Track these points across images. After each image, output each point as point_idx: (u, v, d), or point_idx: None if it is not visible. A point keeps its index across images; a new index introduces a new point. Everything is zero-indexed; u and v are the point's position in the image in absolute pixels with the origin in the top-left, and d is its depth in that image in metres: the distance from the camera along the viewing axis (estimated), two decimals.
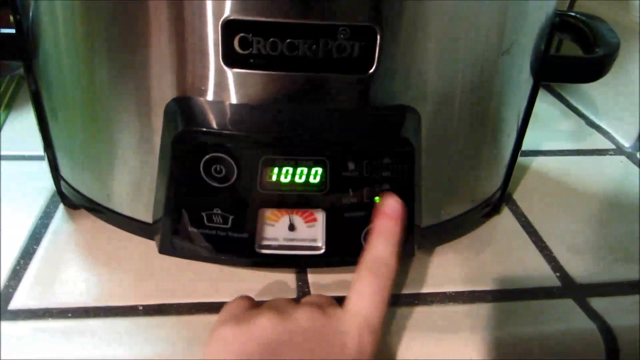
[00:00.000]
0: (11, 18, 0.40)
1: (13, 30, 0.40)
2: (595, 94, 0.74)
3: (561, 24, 0.51)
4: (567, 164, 0.63)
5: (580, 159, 0.65)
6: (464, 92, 0.39)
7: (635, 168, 0.63)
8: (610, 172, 0.63)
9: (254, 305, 0.37)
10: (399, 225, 0.37)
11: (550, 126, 0.71)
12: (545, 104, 0.76)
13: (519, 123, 0.47)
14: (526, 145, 0.49)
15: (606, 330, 0.42)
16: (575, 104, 0.77)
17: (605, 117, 0.72)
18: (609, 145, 0.68)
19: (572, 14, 0.52)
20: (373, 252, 0.36)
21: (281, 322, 0.33)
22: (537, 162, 0.63)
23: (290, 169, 0.36)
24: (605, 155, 0.66)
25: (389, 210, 0.37)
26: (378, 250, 0.36)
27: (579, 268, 0.48)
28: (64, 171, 0.46)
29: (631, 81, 0.66)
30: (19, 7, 0.39)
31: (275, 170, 0.36)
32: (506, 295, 0.44)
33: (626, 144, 0.67)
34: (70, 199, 0.48)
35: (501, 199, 0.52)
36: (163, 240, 0.39)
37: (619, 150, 0.67)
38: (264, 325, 0.33)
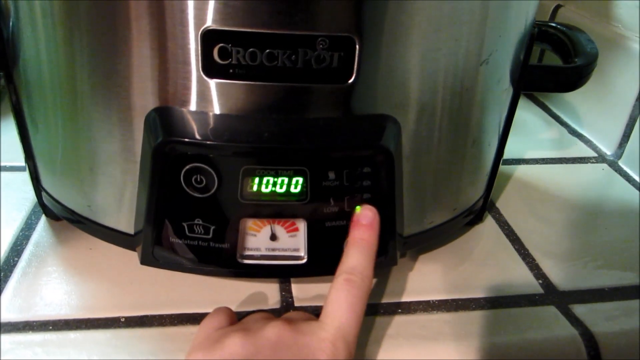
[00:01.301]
0: None
1: None
2: (578, 103, 0.75)
3: (541, 34, 0.52)
4: (549, 172, 0.64)
5: (563, 167, 0.65)
6: (444, 101, 0.40)
7: (617, 176, 0.64)
8: (592, 179, 0.63)
9: (230, 320, 0.37)
10: (374, 235, 0.37)
11: (532, 135, 0.72)
12: (528, 113, 0.77)
13: (500, 132, 0.48)
14: (509, 153, 0.50)
15: (588, 337, 0.42)
16: (557, 112, 0.78)
17: (587, 125, 0.73)
18: (590, 153, 0.68)
19: (553, 24, 0.53)
20: (348, 262, 0.36)
21: (250, 341, 0.33)
22: (520, 170, 0.63)
23: (271, 179, 0.37)
24: (587, 163, 0.66)
25: (364, 220, 0.38)
26: (353, 260, 0.36)
27: (562, 275, 0.48)
28: (45, 182, 0.46)
29: (612, 90, 0.67)
30: None
31: (256, 180, 0.37)
32: (489, 303, 0.44)
33: (608, 152, 0.68)
34: (51, 210, 0.47)
35: (484, 207, 0.52)
36: (144, 251, 0.39)
37: (600, 158, 0.67)
38: (233, 347, 0.32)
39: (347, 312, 0.34)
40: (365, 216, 0.38)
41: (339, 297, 0.34)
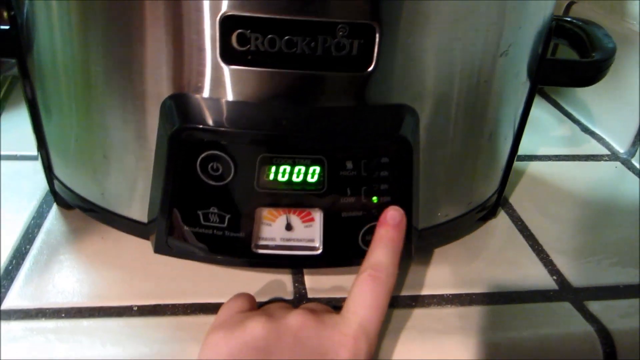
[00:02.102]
0: (5, 14, 0.40)
1: (7, 27, 0.40)
2: (590, 100, 0.74)
3: (557, 29, 0.51)
4: (562, 169, 0.63)
5: (576, 164, 0.65)
6: (461, 93, 0.39)
7: (630, 173, 0.64)
8: (605, 177, 0.63)
9: (251, 305, 0.36)
10: (399, 233, 0.37)
11: (545, 132, 0.71)
12: (539, 110, 0.77)
13: (516, 126, 0.47)
14: (521, 150, 0.49)
15: (604, 334, 0.41)
16: (569, 110, 0.77)
17: (599, 123, 0.72)
18: (603, 151, 0.68)
19: (568, 19, 0.52)
20: (372, 258, 0.36)
21: (273, 326, 0.33)
22: (533, 166, 0.63)
23: (288, 168, 0.36)
24: (600, 160, 0.66)
25: (392, 220, 0.38)
26: (378, 256, 0.36)
27: (576, 271, 0.48)
28: (58, 170, 0.46)
29: (625, 87, 0.66)
30: (13, 3, 0.39)
31: (273, 168, 0.36)
32: (503, 298, 0.44)
33: (621, 149, 0.68)
34: (63, 198, 0.47)
35: (497, 203, 0.52)
36: (158, 239, 0.39)
37: (613, 155, 0.67)
38: (255, 329, 0.32)
39: (370, 309, 0.34)
40: (392, 217, 0.38)
41: (363, 293, 0.34)
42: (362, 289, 0.35)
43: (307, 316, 0.33)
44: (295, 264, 0.42)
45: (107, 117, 0.39)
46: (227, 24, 0.33)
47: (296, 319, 0.33)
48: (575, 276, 0.47)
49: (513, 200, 0.56)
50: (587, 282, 0.47)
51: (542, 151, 0.66)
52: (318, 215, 0.39)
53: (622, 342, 0.41)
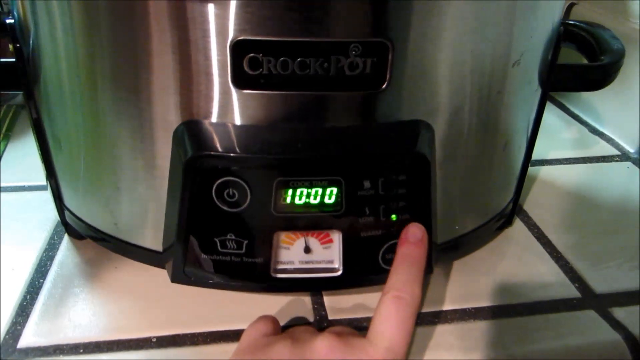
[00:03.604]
0: (10, 47, 0.39)
1: (13, 60, 0.39)
2: (596, 101, 0.74)
3: (565, 34, 0.51)
4: (574, 172, 0.63)
5: (587, 167, 0.64)
6: (475, 105, 0.39)
7: None
8: (618, 178, 0.62)
9: (276, 328, 0.36)
10: (422, 251, 0.37)
11: (553, 135, 0.71)
12: (546, 114, 0.75)
13: (529, 133, 0.47)
14: (532, 155, 0.49)
15: (632, 341, 0.41)
16: (576, 111, 0.77)
17: (608, 123, 0.72)
18: (614, 151, 0.67)
19: (574, 22, 0.52)
20: (397, 278, 0.35)
21: (299, 351, 0.32)
22: (544, 171, 0.62)
23: (305, 190, 0.36)
24: (611, 162, 0.65)
25: (413, 238, 0.37)
26: (401, 276, 0.35)
27: (597, 277, 0.47)
28: (68, 200, 0.45)
29: (632, 87, 0.66)
30: (19, 34, 0.38)
31: (290, 192, 0.36)
32: (526, 309, 0.43)
33: (631, 149, 0.67)
34: (75, 229, 0.47)
35: (513, 211, 0.51)
36: (175, 268, 0.38)
37: (624, 156, 0.66)
38: (281, 354, 0.32)
39: (397, 331, 0.33)
40: (413, 234, 0.37)
41: (389, 315, 0.33)
42: (388, 311, 0.34)
43: (333, 340, 0.33)
44: (316, 286, 0.42)
45: (117, 146, 0.38)
46: (239, 49, 0.32)
47: (323, 343, 0.32)
48: (597, 282, 0.46)
49: (527, 207, 0.56)
50: (609, 288, 0.46)
51: (552, 155, 0.66)
52: (337, 237, 0.38)
53: None
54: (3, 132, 0.65)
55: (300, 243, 0.38)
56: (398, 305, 0.34)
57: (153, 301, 0.42)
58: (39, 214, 0.51)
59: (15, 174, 0.57)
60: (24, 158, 0.60)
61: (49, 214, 0.50)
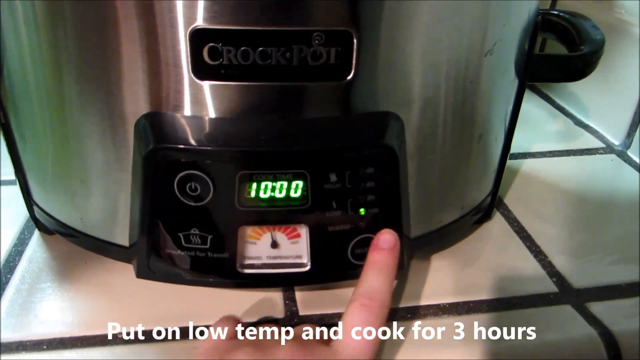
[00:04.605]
0: None
1: None
2: (582, 93, 0.73)
3: (544, 23, 0.50)
4: (557, 165, 0.62)
5: (571, 160, 0.63)
6: (448, 96, 0.38)
7: (627, 166, 0.62)
8: (602, 171, 0.61)
9: (236, 332, 0.35)
10: (393, 258, 0.36)
11: (538, 127, 0.70)
12: (531, 106, 0.75)
13: (507, 125, 0.46)
14: (514, 147, 0.48)
15: (607, 336, 0.40)
16: (562, 104, 0.76)
17: (593, 116, 0.71)
18: (598, 144, 0.67)
19: (555, 12, 0.51)
20: (365, 284, 0.34)
21: (260, 358, 0.31)
22: (527, 164, 0.62)
23: (270, 184, 0.35)
24: (595, 154, 0.65)
25: (385, 244, 0.36)
26: (371, 283, 0.34)
27: (576, 272, 0.46)
28: (37, 196, 0.44)
29: (617, 78, 0.65)
30: None
31: (254, 185, 0.35)
32: (502, 304, 0.43)
33: (616, 142, 0.66)
34: (44, 224, 0.46)
35: (492, 204, 0.50)
36: (140, 264, 0.37)
37: (609, 148, 0.66)
38: None
39: (362, 341, 0.32)
40: (385, 240, 0.36)
41: (355, 324, 0.32)
42: (354, 320, 0.33)
43: (296, 349, 0.32)
44: (284, 282, 0.41)
45: (83, 139, 0.37)
46: (198, 38, 0.31)
47: (285, 352, 0.31)
48: (576, 277, 0.46)
49: (508, 200, 0.55)
50: (588, 283, 0.45)
51: (535, 148, 0.65)
52: (304, 231, 0.37)
53: (627, 344, 0.40)
54: None
55: (267, 238, 0.37)
56: (366, 313, 0.33)
57: (121, 297, 0.42)
58: (10, 208, 0.51)
59: None
60: None
61: (21, 209, 0.49)
